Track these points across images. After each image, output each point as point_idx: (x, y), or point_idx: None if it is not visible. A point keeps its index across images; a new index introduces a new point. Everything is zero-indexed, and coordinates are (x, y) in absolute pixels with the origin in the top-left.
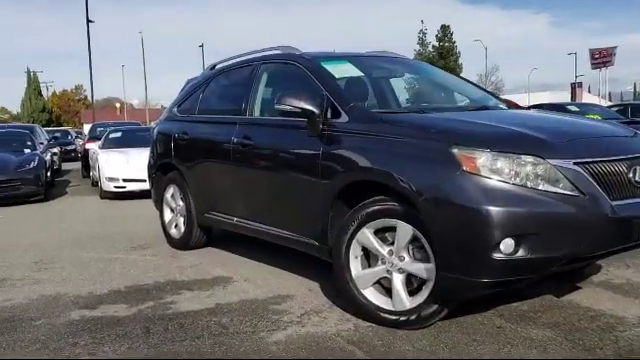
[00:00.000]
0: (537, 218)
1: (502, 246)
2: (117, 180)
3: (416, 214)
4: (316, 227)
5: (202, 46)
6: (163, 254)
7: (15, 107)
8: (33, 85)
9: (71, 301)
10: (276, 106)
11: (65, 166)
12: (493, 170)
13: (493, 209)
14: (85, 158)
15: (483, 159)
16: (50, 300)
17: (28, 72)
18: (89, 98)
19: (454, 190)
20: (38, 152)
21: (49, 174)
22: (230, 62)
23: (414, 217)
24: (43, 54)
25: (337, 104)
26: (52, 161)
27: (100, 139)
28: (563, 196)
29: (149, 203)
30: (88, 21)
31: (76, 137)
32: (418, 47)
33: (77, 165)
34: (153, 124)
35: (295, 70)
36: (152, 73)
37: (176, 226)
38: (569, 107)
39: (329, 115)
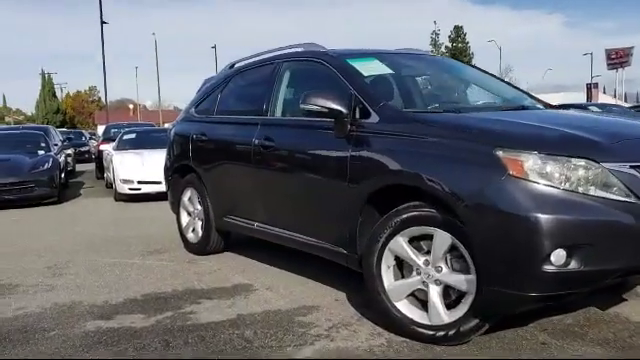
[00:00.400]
0: (591, 227)
1: (553, 257)
2: (132, 182)
3: (455, 221)
4: (343, 234)
5: (215, 47)
6: (180, 259)
7: (30, 108)
8: (47, 87)
9: (86, 310)
10: (301, 106)
11: (79, 167)
12: (542, 174)
13: (543, 217)
14: (99, 159)
15: (531, 162)
16: (64, 309)
17: (43, 74)
18: (103, 99)
19: (499, 196)
20: (52, 153)
21: (63, 175)
22: (249, 61)
23: (453, 225)
24: (57, 56)
25: (366, 103)
26: (66, 162)
27: (114, 140)
28: (618, 203)
29: (164, 205)
30: (102, 22)
31: (90, 138)
32: (431, 48)
33: (91, 166)
34: (170, 125)
35: (320, 68)
36: (165, 74)
37: (193, 230)
38: (591, 107)
39: (357, 115)
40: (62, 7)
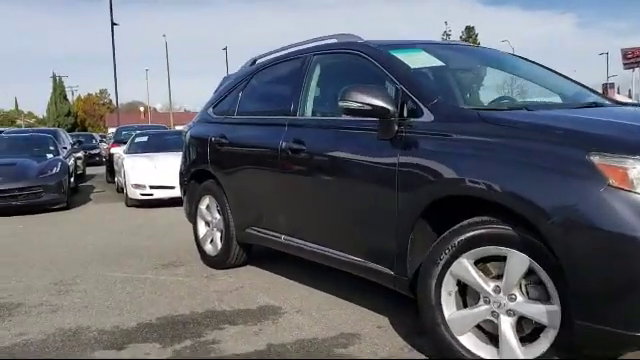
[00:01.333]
0: None
1: None
2: (144, 187)
3: (535, 241)
4: (390, 252)
5: (226, 49)
6: (197, 274)
7: (41, 111)
8: (59, 90)
9: (94, 337)
10: (340, 103)
11: (89, 170)
12: None
13: None
14: (110, 163)
15: (638, 170)
16: (69, 335)
17: (54, 77)
18: (113, 102)
19: (597, 211)
20: (61, 157)
21: (72, 180)
22: (273, 56)
23: (532, 245)
24: (69, 59)
25: (417, 100)
26: (76, 166)
27: (125, 143)
28: None
29: (179, 212)
30: (113, 24)
31: (100, 141)
32: None
33: (101, 170)
34: (185, 127)
35: (358, 61)
36: (175, 77)
37: (212, 241)
38: None
39: (406, 114)
40: (74, 10)
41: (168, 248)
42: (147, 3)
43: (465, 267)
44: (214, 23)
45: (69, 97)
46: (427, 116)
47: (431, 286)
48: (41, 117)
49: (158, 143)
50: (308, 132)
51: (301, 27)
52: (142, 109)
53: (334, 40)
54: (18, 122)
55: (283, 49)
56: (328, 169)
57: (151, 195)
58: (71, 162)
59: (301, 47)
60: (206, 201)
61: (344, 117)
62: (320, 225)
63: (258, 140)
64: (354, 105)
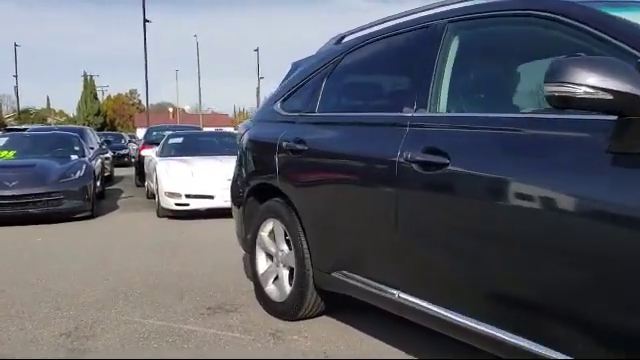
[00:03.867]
0: None
1: None
2: (179, 196)
3: None
4: None
5: (257, 50)
6: (258, 328)
7: (73, 110)
8: (89, 89)
9: None
10: (550, 88)
11: (118, 172)
12: None
13: None
14: (140, 165)
15: None
16: None
17: (85, 76)
18: (143, 102)
19: None
20: (86, 159)
21: (99, 183)
22: (374, 28)
23: None
24: (100, 59)
25: None
26: (103, 168)
27: (157, 144)
28: None
29: (221, 225)
30: (145, 21)
31: (129, 141)
32: None
33: (130, 171)
34: (241, 127)
35: (542, 29)
36: (203, 79)
37: (276, 280)
38: None
39: None
40: (106, 11)
41: (214, 280)
42: (178, 4)
43: None
44: (245, 25)
45: (99, 97)
46: None
47: None
48: (72, 116)
49: (195, 145)
50: (453, 136)
51: (333, 26)
52: (171, 110)
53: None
54: (49, 120)
55: (385, 20)
56: (504, 197)
57: (187, 205)
58: (98, 163)
59: (421, 14)
60: (269, 226)
61: (528, 114)
62: (488, 288)
63: (358, 147)
64: (579, 91)
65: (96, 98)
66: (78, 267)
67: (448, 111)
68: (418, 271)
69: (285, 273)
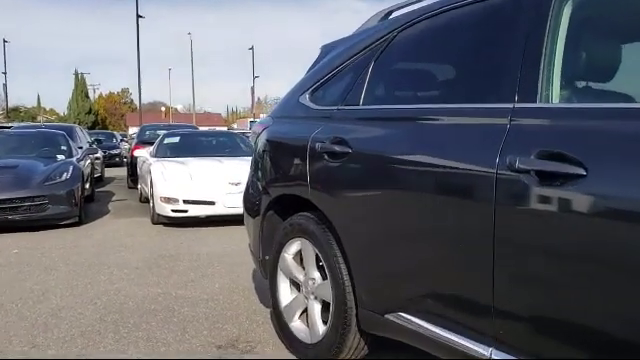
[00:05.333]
0: None
1: None
2: (176, 202)
3: None
4: None
5: (252, 49)
6: None
7: (63, 109)
8: (80, 87)
9: None
10: None
11: (108, 172)
12: None
13: None
14: (132, 166)
15: None
16: None
17: (76, 74)
18: (135, 101)
19: None
20: (74, 160)
21: (88, 185)
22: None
23: None
24: (91, 57)
25: None
26: (92, 169)
27: (150, 144)
28: None
29: (227, 234)
30: (138, 16)
31: (121, 140)
32: None
33: (122, 172)
34: (257, 125)
35: None
36: (196, 78)
37: (304, 314)
38: None
39: None
40: (98, 9)
41: (221, 305)
42: (171, 0)
43: None
44: (238, 25)
45: (91, 95)
46: None
47: None
48: (62, 114)
49: (193, 145)
50: (586, 137)
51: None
52: (163, 109)
53: None
54: (39, 118)
55: None
56: None
57: (185, 212)
58: (87, 164)
59: None
60: (295, 247)
61: None
62: None
63: (430, 150)
64: None
65: (87, 96)
66: (61, 287)
67: (567, 101)
68: (529, 322)
69: (317, 308)
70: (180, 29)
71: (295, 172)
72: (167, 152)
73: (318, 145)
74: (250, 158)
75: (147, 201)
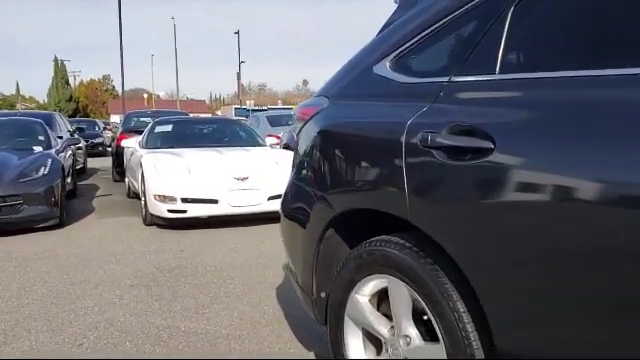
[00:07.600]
0: None
1: None
2: (173, 200)
3: None
4: None
5: (238, 33)
6: None
7: (43, 97)
8: (60, 74)
9: None
10: None
11: (91, 162)
12: None
13: None
14: (118, 157)
15: None
16: None
17: (55, 61)
18: (117, 88)
19: None
20: (53, 152)
21: (69, 180)
22: None
23: None
24: (72, 43)
25: None
26: (74, 160)
27: (137, 132)
28: None
29: (236, 237)
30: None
31: (104, 129)
32: None
33: (105, 162)
34: (302, 107)
35: None
36: (179, 64)
37: None
38: None
39: None
40: None
41: (248, 346)
42: None
43: None
44: (220, 12)
45: (71, 82)
46: None
47: None
48: (42, 102)
49: (188, 134)
50: None
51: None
52: (145, 96)
53: None
54: (17, 106)
55: None
56: None
57: (184, 212)
58: (68, 155)
59: None
60: (374, 286)
61: None
62: None
63: None
64: None
65: (68, 84)
66: (36, 318)
67: None
68: None
69: None
70: (163, 14)
71: (379, 177)
72: (159, 142)
73: (423, 136)
74: (251, 148)
75: (136, 197)
